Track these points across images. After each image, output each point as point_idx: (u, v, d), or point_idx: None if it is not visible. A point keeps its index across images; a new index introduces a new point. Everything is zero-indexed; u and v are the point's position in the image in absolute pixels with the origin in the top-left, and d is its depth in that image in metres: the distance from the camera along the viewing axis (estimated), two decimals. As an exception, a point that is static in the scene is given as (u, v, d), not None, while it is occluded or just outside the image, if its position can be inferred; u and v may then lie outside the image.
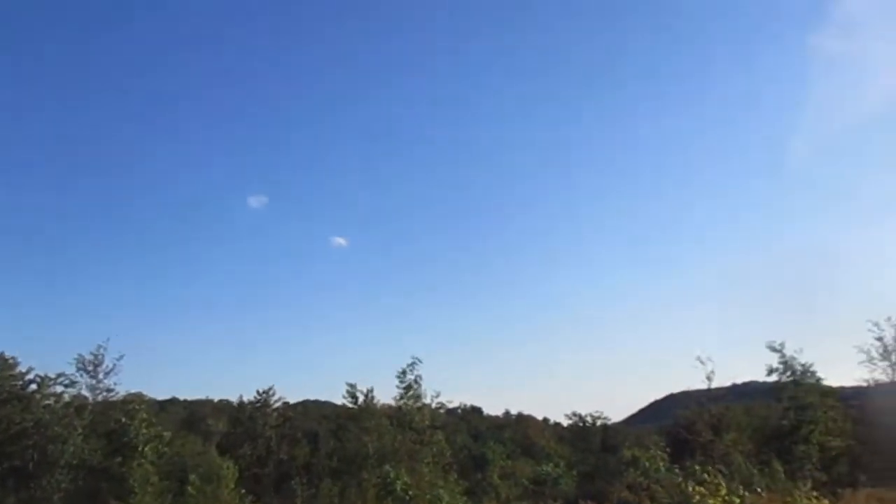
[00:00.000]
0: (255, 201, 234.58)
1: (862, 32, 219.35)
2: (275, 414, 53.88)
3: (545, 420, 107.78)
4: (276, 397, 54.85)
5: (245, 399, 55.59)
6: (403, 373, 42.34)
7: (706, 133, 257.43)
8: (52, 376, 36.83)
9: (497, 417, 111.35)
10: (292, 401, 67.83)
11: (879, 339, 46.52)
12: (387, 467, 36.56)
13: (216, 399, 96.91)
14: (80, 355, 37.62)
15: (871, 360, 46.70)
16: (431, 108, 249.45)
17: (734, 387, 60.04)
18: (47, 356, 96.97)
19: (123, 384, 39.20)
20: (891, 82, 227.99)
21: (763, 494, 29.09)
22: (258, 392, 54.38)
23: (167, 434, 38.50)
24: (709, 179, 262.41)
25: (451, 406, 51.89)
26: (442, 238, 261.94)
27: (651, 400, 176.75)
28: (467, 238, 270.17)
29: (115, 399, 38.38)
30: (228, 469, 37.48)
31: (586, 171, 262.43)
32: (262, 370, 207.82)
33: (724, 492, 21.73)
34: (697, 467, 24.01)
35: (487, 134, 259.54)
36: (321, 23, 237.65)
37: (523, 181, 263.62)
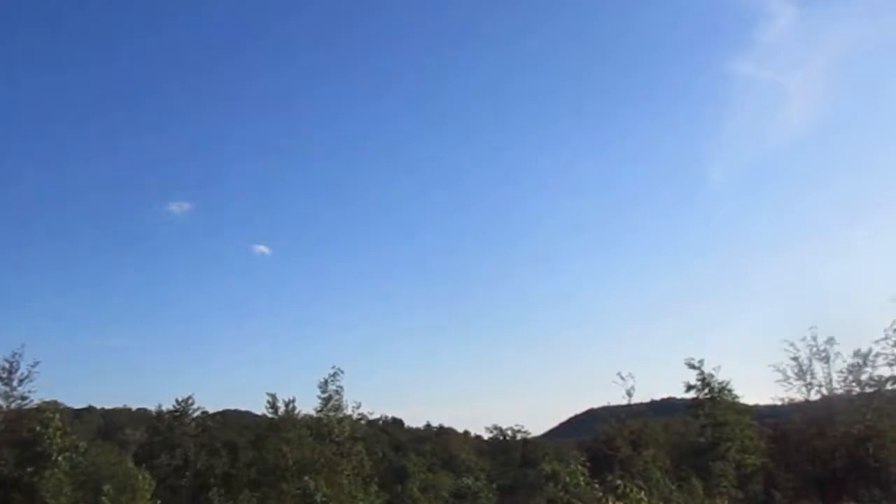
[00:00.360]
0: (177, 207, 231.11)
1: (780, 59, 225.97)
2: (193, 423, 53.01)
3: (466, 433, 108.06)
4: (195, 406, 54.05)
5: (163, 408, 54.62)
6: (325, 383, 41.96)
7: (627, 160, 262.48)
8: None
9: (418, 430, 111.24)
10: (212, 410, 66.85)
11: (794, 358, 47.54)
12: (307, 479, 36.15)
13: (134, 408, 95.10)
14: (-8, 361, 36.50)
15: (786, 379, 47.69)
16: (360, 113, 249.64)
17: (653, 403, 60.97)
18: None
19: (38, 392, 38.10)
20: (808, 108, 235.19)
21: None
22: (177, 401, 53.53)
23: (82, 444, 37.49)
24: (628, 201, 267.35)
25: (372, 417, 51.63)
26: (367, 249, 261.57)
27: (571, 414, 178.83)
28: (392, 251, 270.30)
29: (29, 407, 37.22)
30: (144, 479, 36.61)
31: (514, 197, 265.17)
32: (181, 379, 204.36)
33: (644, 507, 21.97)
34: (620, 482, 24.16)
35: (413, 144, 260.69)
36: (246, 26, 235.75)
37: (451, 195, 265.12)
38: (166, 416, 53.65)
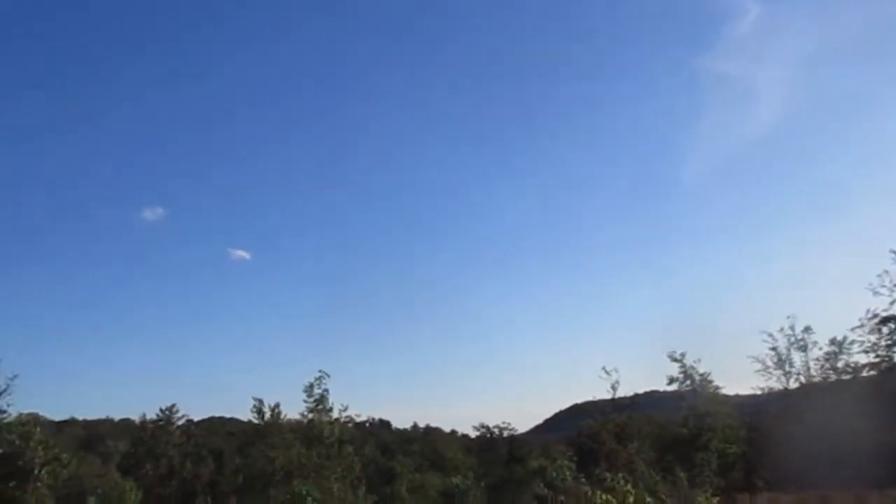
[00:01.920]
0: (150, 213, 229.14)
1: (749, 54, 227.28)
2: (178, 432, 52.92)
3: (453, 432, 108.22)
4: (179, 415, 53.94)
5: (147, 417, 54.47)
6: (311, 386, 42.02)
7: (600, 157, 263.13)
8: (-61, 398, 35.38)
9: (406, 431, 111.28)
10: (197, 418, 66.70)
11: (773, 348, 48.15)
12: (295, 483, 36.24)
13: (117, 418, 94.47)
14: (-30, 377, 36.31)
15: (765, 368, 48.30)
16: (341, 115, 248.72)
17: (637, 396, 61.35)
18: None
19: (17, 405, 37.84)
20: (779, 104, 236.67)
21: (668, 501, 29.82)
22: (161, 410, 53.35)
23: (65, 456, 37.31)
24: (605, 196, 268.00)
25: (359, 420, 51.54)
26: (351, 252, 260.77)
27: (556, 410, 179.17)
28: (376, 253, 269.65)
29: (8, 420, 37.02)
30: (131, 490, 36.61)
31: (497, 203, 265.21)
32: (164, 388, 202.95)
33: (631, 499, 22.24)
34: (608, 474, 24.51)
35: (400, 149, 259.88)
36: (218, 24, 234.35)
37: (435, 195, 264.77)
38: (150, 425, 53.51)
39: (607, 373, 49.03)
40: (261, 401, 44.87)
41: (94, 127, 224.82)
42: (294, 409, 43.99)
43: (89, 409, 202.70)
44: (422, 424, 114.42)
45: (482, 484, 54.44)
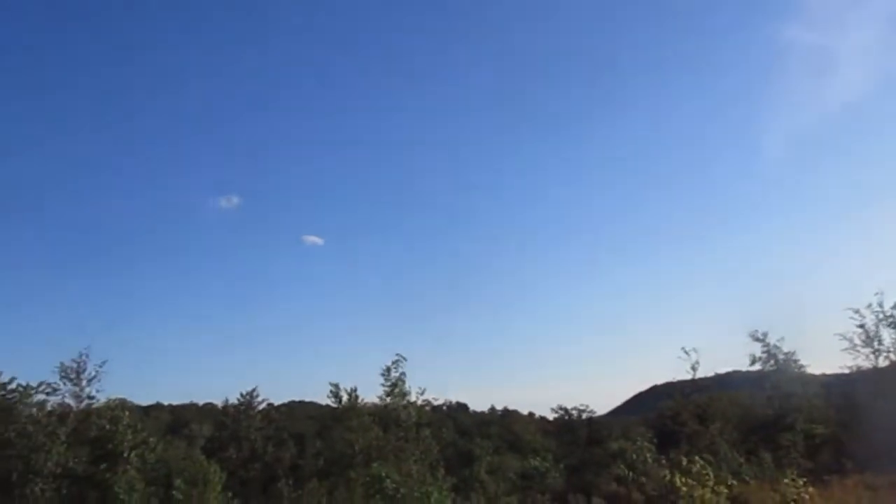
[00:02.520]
0: (226, 202, 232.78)
1: (833, 23, 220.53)
2: (259, 416, 53.57)
3: (531, 415, 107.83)
4: (260, 399, 54.55)
5: (229, 402, 55.29)
6: (388, 370, 42.22)
7: (679, 133, 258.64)
8: (34, 385, 36.42)
9: (483, 413, 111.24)
10: (277, 402, 67.59)
11: (861, 326, 46.90)
12: (375, 465, 36.43)
13: (201, 403, 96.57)
14: (62, 363, 37.25)
15: (853, 347, 47.07)
16: (416, 110, 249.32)
17: (717, 377, 60.39)
18: (28, 366, 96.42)
19: (106, 391, 38.80)
20: (863, 73, 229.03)
21: (752, 483, 29.23)
22: (242, 394, 54.04)
23: (153, 440, 38.14)
24: (685, 175, 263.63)
25: (436, 403, 51.78)
26: (424, 234, 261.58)
27: (635, 392, 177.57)
28: (448, 235, 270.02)
29: (98, 406, 37.94)
30: (216, 472, 37.13)
31: (568, 177, 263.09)
32: (245, 373, 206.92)
33: (712, 482, 21.79)
34: (684, 458, 24.05)
35: (475, 138, 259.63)
36: (291, 21, 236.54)
37: (511, 179, 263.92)
38: (232, 409, 54.29)
39: (687, 353, 48.47)
40: (337, 385, 45.13)
41: (165, 116, 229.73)
42: (371, 392, 44.27)
43: (174, 394, 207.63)
44: (499, 407, 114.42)
45: (561, 466, 54.13)
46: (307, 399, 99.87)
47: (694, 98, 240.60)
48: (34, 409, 35.88)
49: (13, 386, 35.87)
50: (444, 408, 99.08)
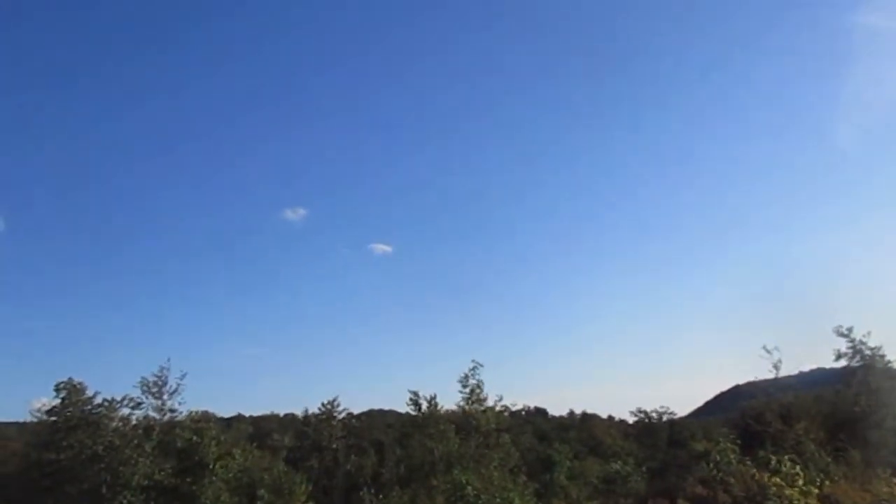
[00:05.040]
0: (292, 214, 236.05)
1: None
2: (340, 425, 54.06)
3: (610, 418, 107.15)
4: (340, 408, 55.10)
5: (310, 412, 55.96)
6: (465, 377, 42.35)
7: (748, 119, 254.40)
8: (119, 399, 37.31)
9: (562, 418, 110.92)
10: (357, 411, 68.17)
11: (952, 316, 45.66)
12: (455, 472, 36.45)
13: (282, 413, 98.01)
14: (143, 378, 38.11)
15: (942, 341, 45.83)
16: (478, 113, 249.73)
17: (801, 375, 59.20)
18: (108, 382, 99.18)
19: (188, 403, 39.55)
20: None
21: (841, 482, 28.54)
22: (322, 404, 54.67)
23: (237, 450, 38.71)
24: (763, 168, 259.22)
25: (514, 409, 51.63)
26: (493, 240, 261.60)
27: (716, 392, 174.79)
28: (522, 240, 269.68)
29: (181, 419, 38.70)
30: (300, 482, 37.58)
31: (649, 173, 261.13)
32: (324, 383, 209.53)
33: (801, 482, 21.35)
34: (773, 457, 23.60)
35: (541, 139, 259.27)
36: (352, 33, 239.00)
37: (585, 181, 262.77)
38: (313, 419, 54.92)
39: (768, 352, 47.59)
40: (417, 393, 45.35)
41: (232, 131, 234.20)
42: (449, 400, 44.47)
43: (256, 405, 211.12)
44: (577, 411, 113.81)
45: (643, 469, 53.53)
46: (386, 407, 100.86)
47: (756, 87, 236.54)
48: (120, 423, 36.79)
49: (98, 401, 36.85)
50: (523, 413, 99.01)
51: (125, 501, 33.18)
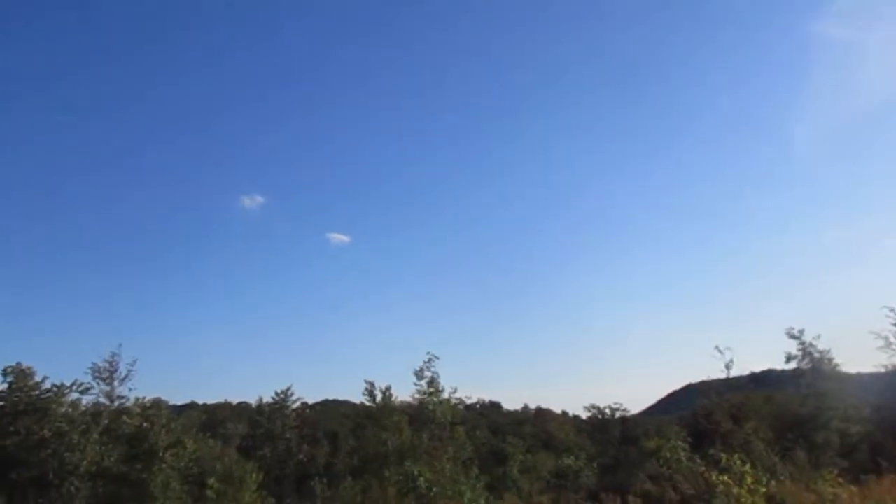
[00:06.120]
0: (249, 201, 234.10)
1: (864, 18, 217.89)
2: (293, 415, 53.85)
3: (564, 413, 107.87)
4: (294, 398, 54.86)
5: (264, 401, 55.63)
6: (421, 370, 42.32)
7: (710, 132, 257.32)
8: (68, 385, 36.77)
9: (516, 412, 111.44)
10: (311, 401, 67.94)
11: (896, 324, 46.61)
12: (408, 464, 36.49)
13: (235, 402, 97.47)
14: (94, 363, 37.66)
15: (888, 345, 46.74)
16: (435, 103, 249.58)
17: (753, 375, 60.09)
18: (60, 367, 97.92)
19: (139, 390, 39.25)
20: (891, 66, 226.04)
21: (787, 482, 28.99)
22: (276, 393, 54.39)
23: (188, 439, 38.35)
24: (715, 172, 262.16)
25: (469, 402, 51.78)
26: (452, 233, 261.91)
27: (669, 391, 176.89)
28: (479, 235, 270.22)
29: (131, 405, 38.29)
30: (251, 471, 37.28)
31: (601, 172, 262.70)
32: (279, 372, 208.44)
33: (750, 480, 21.65)
34: (723, 455, 23.93)
35: (498, 131, 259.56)
36: (312, 17, 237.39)
37: (546, 177, 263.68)
38: (266, 408, 54.62)
39: (721, 352, 48.18)
40: (372, 384, 45.30)
41: (189, 120, 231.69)
42: (405, 391, 44.43)
43: (208, 393, 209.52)
44: (532, 406, 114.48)
45: (594, 464, 54.00)
46: (341, 398, 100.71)
47: (727, 95, 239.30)
48: (69, 409, 36.24)
49: (47, 386, 36.33)
50: (478, 406, 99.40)
51: (72, 488, 32.73)
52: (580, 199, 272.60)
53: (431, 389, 42.19)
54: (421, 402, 42.59)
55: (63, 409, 35.77)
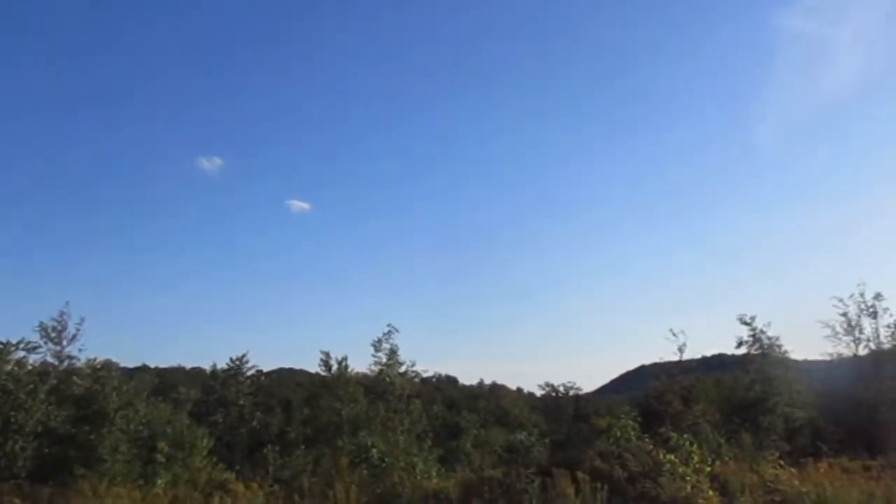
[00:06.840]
0: (207, 162, 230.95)
1: (827, 12, 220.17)
2: (248, 382, 53.66)
3: (519, 390, 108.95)
4: (249, 365, 54.60)
5: (218, 367, 55.38)
6: (379, 341, 42.52)
7: (675, 119, 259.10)
8: (14, 343, 36.14)
9: (472, 387, 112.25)
10: (266, 369, 67.79)
11: (844, 314, 47.89)
12: (362, 435, 36.76)
13: (188, 367, 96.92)
14: (41, 322, 37.27)
15: (835, 334, 48.01)
16: (403, 70, 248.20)
17: (704, 359, 61.09)
18: (5, 327, 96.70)
19: (90, 351, 38.89)
20: (857, 62, 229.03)
21: (731, 463, 29.74)
22: (231, 359, 54.07)
23: (139, 402, 38.02)
24: (679, 159, 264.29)
25: (426, 375, 52.09)
26: (415, 206, 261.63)
27: (623, 371, 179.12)
28: (442, 210, 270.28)
29: (81, 366, 37.85)
30: (202, 437, 37.07)
31: (567, 158, 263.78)
32: (234, 339, 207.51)
33: (696, 460, 22.22)
34: (673, 434, 24.54)
35: (460, 103, 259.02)
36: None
37: (512, 155, 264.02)
38: (220, 374, 54.37)
39: (674, 334, 49.01)
40: (328, 353, 45.45)
41: (146, 79, 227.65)
42: (361, 362, 44.72)
43: (161, 357, 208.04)
44: (488, 381, 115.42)
45: (546, 441, 54.67)
46: (297, 367, 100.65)
47: (693, 85, 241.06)
48: (15, 367, 35.64)
49: (-9, 344, 35.69)
50: (434, 380, 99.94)
51: (17, 447, 32.33)
52: (545, 180, 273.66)
53: (391, 361, 42.46)
54: (379, 373, 42.85)
55: (9, 368, 35.11)
